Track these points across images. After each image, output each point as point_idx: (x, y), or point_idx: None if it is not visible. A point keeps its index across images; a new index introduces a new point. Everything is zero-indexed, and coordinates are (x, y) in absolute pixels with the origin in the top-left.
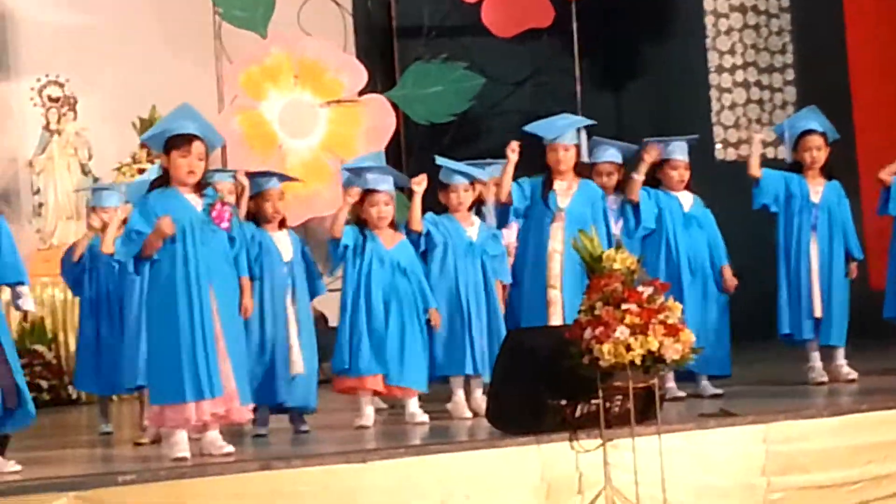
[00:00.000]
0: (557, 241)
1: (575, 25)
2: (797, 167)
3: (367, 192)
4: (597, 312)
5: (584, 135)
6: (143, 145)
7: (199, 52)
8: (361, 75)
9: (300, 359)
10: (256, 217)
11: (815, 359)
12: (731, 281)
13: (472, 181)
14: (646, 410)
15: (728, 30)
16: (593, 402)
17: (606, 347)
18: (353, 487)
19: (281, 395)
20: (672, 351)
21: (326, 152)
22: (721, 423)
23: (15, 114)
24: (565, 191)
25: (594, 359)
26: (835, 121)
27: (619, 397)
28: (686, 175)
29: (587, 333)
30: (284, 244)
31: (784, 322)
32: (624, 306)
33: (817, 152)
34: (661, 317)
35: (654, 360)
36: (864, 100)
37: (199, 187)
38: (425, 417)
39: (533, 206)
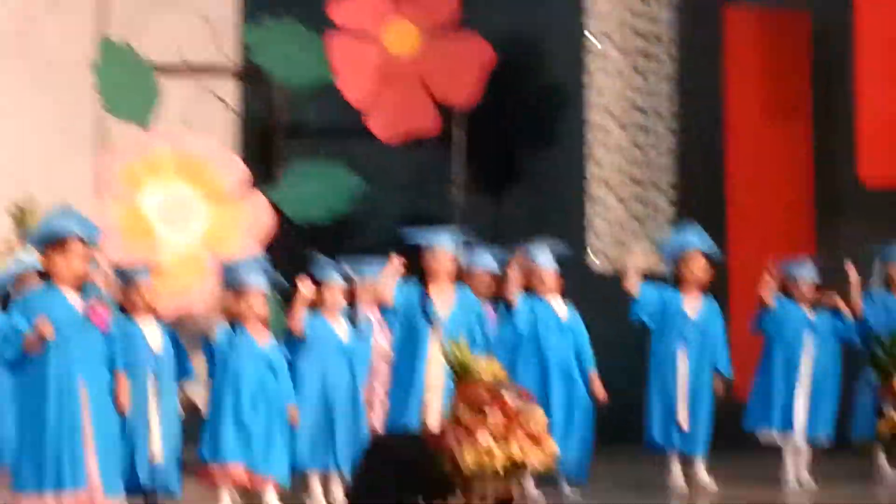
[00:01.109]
0: (436, 351)
1: (459, 133)
2: (675, 281)
3: (242, 290)
4: (461, 419)
5: (460, 243)
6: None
7: (81, 141)
8: (242, 172)
9: (160, 447)
10: (124, 306)
11: (677, 468)
12: (600, 390)
13: (348, 282)
14: None
15: (611, 145)
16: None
17: (469, 453)
18: None
19: (141, 478)
20: (534, 458)
21: (203, 248)
22: None
23: None
24: (444, 299)
25: (456, 464)
26: (709, 236)
27: (479, 503)
28: (553, 281)
29: (450, 439)
30: (152, 333)
31: (653, 431)
32: (488, 413)
33: (699, 271)
34: (524, 424)
35: (515, 468)
36: (738, 218)
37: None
38: None
39: (410, 312)
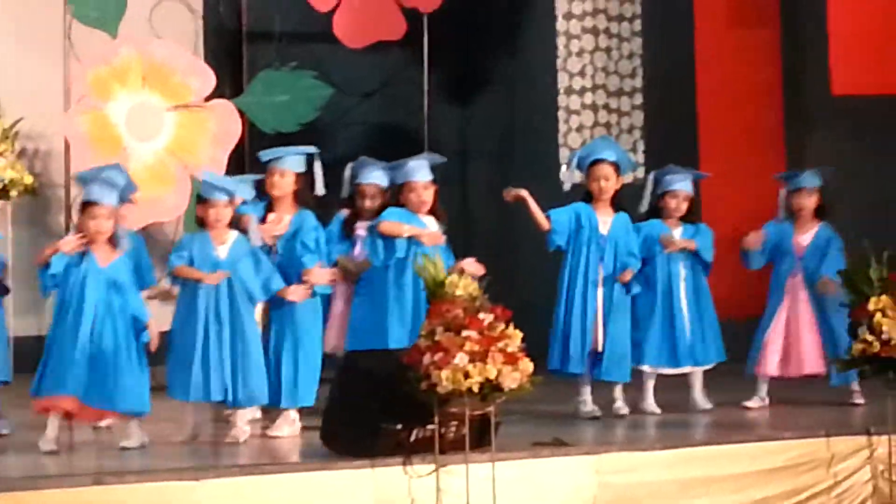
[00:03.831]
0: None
1: (426, 38)
2: (587, 196)
3: (87, 205)
4: (437, 338)
5: (317, 164)
6: None
7: (48, 50)
8: (210, 80)
9: None
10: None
11: (587, 392)
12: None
13: (232, 197)
14: (481, 437)
15: (579, 51)
16: (429, 427)
17: (445, 374)
18: None
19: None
20: (510, 379)
21: (171, 157)
22: (554, 453)
23: None
24: (277, 222)
25: (432, 384)
26: (680, 147)
27: (455, 423)
28: (426, 195)
29: (426, 359)
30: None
31: (555, 357)
32: (464, 333)
33: (605, 182)
34: (500, 345)
35: (492, 388)
36: (709, 127)
37: None
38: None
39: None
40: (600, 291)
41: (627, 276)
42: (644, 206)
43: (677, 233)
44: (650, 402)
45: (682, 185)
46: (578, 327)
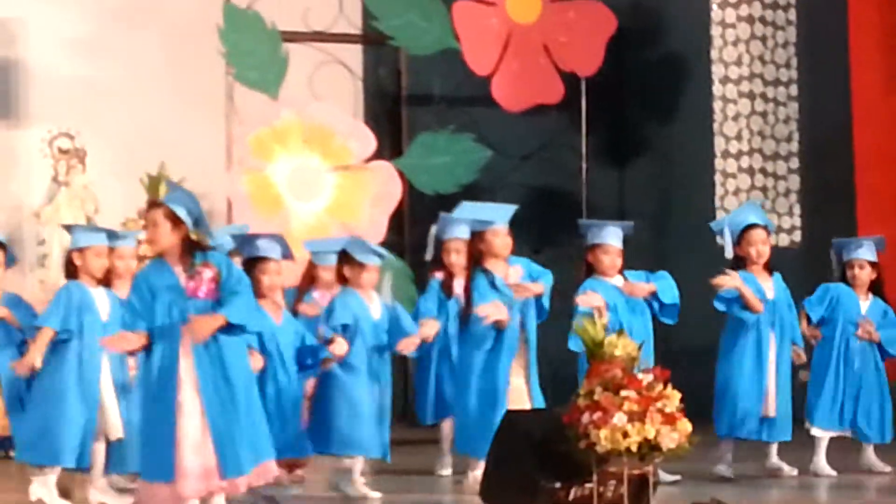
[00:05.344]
0: None
1: (584, 102)
2: (739, 263)
3: (258, 260)
4: (596, 397)
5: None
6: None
7: (210, 111)
8: (370, 142)
9: (118, 422)
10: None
11: (728, 450)
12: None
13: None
14: (639, 497)
15: (736, 115)
16: (587, 485)
17: (604, 433)
18: None
19: (84, 459)
20: (668, 439)
21: (332, 217)
22: None
23: (22, 162)
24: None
25: (591, 443)
26: (838, 211)
27: (613, 482)
28: (618, 261)
29: (585, 418)
30: (102, 302)
31: (724, 422)
32: (623, 393)
33: (762, 247)
34: (659, 405)
35: (650, 448)
36: (868, 192)
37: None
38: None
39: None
40: (772, 356)
41: (800, 356)
42: (835, 276)
43: (865, 305)
44: (872, 460)
45: (859, 253)
46: (754, 394)
